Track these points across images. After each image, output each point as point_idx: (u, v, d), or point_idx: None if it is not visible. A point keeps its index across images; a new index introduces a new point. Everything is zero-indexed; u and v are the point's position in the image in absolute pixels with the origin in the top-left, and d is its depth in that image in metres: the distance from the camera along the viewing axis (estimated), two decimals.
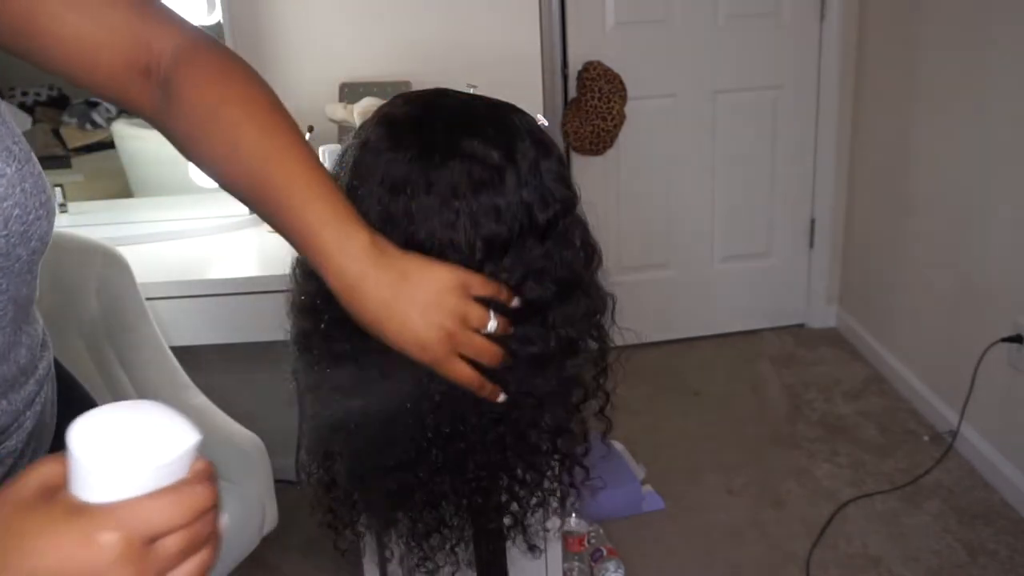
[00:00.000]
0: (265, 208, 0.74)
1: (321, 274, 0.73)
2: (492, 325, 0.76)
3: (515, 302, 0.80)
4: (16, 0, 0.69)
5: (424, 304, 0.73)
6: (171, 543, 0.46)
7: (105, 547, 0.44)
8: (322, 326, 0.84)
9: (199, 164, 0.77)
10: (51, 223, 0.69)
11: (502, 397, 0.81)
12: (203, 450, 0.49)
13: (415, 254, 0.76)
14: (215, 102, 0.74)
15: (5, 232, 0.63)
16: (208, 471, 0.48)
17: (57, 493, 0.46)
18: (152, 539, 0.45)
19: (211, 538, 0.48)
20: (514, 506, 0.95)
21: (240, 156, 0.73)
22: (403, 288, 0.72)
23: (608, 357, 0.92)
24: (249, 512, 1.58)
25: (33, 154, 0.68)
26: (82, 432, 0.45)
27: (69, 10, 0.71)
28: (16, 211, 0.64)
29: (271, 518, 1.65)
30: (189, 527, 0.46)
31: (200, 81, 0.74)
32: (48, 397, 0.79)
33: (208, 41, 0.78)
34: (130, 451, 0.45)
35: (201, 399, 1.65)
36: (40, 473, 0.47)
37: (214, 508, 0.48)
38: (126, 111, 0.78)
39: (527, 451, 0.90)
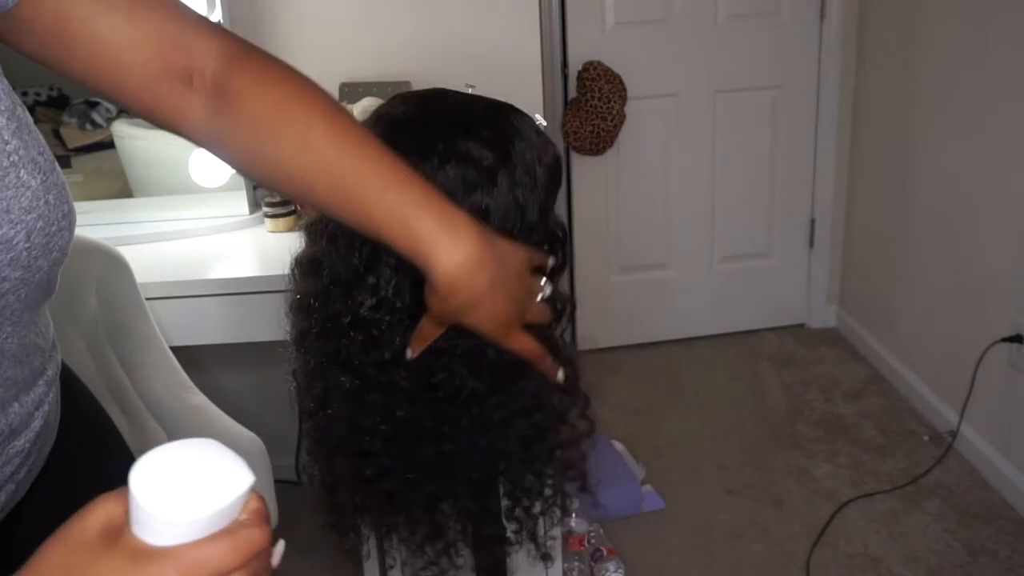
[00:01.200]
0: (344, 204, 0.72)
1: (420, 260, 0.70)
2: (549, 288, 0.81)
3: (551, 262, 0.84)
4: (47, 3, 0.66)
5: (513, 283, 0.76)
6: None
7: None
8: (314, 327, 0.84)
9: (259, 169, 0.74)
10: (72, 233, 0.68)
11: (561, 374, 0.84)
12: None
13: (497, 235, 0.77)
14: (281, 99, 0.72)
15: (28, 245, 0.62)
16: (262, 512, 0.50)
17: (119, 534, 0.47)
18: None
19: (264, 573, 0.50)
20: (519, 511, 0.95)
21: (313, 153, 0.71)
22: (502, 269, 0.74)
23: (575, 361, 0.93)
24: None
25: (57, 164, 0.66)
26: (143, 475, 0.46)
27: (101, 11, 0.68)
28: (40, 223, 0.63)
29: (271, 518, 1.65)
30: (246, 567, 0.48)
31: (261, 82, 0.72)
32: (54, 398, 0.79)
33: (251, 45, 0.75)
34: (191, 496, 0.46)
35: (201, 399, 1.65)
36: (102, 513, 0.48)
37: (268, 548, 0.50)
38: (158, 124, 0.73)
39: (524, 453, 0.90)
